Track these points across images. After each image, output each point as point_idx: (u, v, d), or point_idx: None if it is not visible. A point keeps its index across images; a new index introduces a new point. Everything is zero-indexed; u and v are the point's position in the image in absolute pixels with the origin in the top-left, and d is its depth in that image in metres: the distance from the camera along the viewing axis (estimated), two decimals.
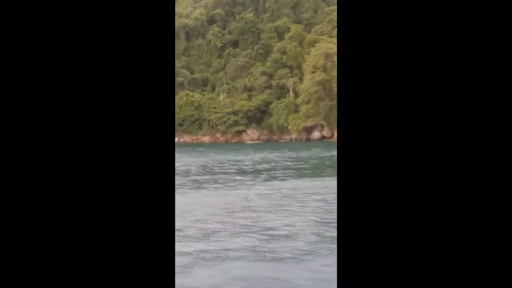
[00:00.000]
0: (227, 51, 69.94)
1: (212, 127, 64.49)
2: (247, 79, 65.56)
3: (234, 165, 25.36)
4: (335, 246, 4.98)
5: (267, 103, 63.06)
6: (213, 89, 68.40)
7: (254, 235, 8.33)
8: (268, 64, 66.08)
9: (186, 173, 20.67)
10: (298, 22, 68.17)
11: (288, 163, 25.84)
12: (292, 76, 62.95)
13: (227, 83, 67.10)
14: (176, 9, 65.95)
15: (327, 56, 57.02)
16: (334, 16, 61.45)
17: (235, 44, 70.76)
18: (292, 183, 16.56)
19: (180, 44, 69.60)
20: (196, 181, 17.85)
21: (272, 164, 25.40)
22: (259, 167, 23.68)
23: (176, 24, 64.16)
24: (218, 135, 64.19)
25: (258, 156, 32.45)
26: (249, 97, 64.53)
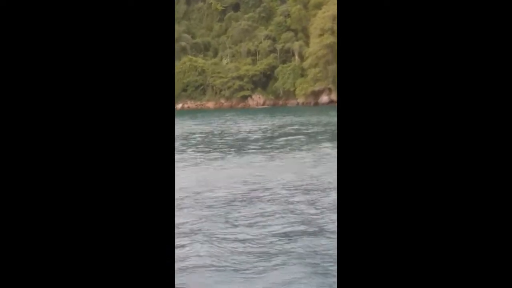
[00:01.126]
0: (228, 14, 68.59)
1: (216, 93, 63.63)
2: (250, 43, 64.52)
3: None
4: None
5: (272, 68, 62.21)
6: (215, 54, 67.29)
7: None
8: (271, 27, 64.97)
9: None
10: None
11: None
12: (297, 40, 62.12)
13: (230, 48, 66.04)
14: None
15: (335, 18, 56.22)
16: None
17: (236, 7, 69.39)
18: None
19: (180, 8, 68.12)
20: None
21: None
22: None
23: None
24: (222, 100, 63.44)
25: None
26: (254, 62, 63.67)
